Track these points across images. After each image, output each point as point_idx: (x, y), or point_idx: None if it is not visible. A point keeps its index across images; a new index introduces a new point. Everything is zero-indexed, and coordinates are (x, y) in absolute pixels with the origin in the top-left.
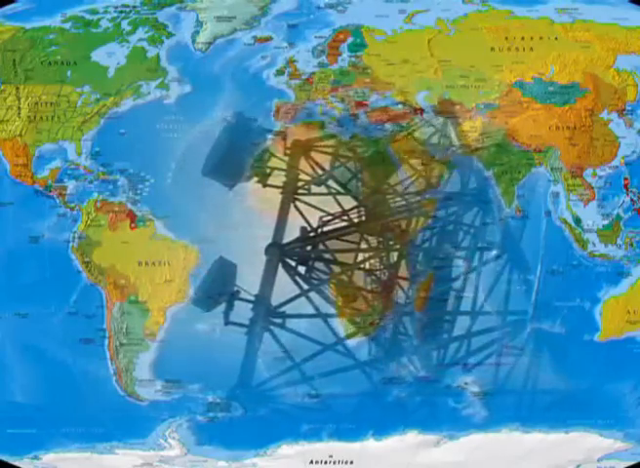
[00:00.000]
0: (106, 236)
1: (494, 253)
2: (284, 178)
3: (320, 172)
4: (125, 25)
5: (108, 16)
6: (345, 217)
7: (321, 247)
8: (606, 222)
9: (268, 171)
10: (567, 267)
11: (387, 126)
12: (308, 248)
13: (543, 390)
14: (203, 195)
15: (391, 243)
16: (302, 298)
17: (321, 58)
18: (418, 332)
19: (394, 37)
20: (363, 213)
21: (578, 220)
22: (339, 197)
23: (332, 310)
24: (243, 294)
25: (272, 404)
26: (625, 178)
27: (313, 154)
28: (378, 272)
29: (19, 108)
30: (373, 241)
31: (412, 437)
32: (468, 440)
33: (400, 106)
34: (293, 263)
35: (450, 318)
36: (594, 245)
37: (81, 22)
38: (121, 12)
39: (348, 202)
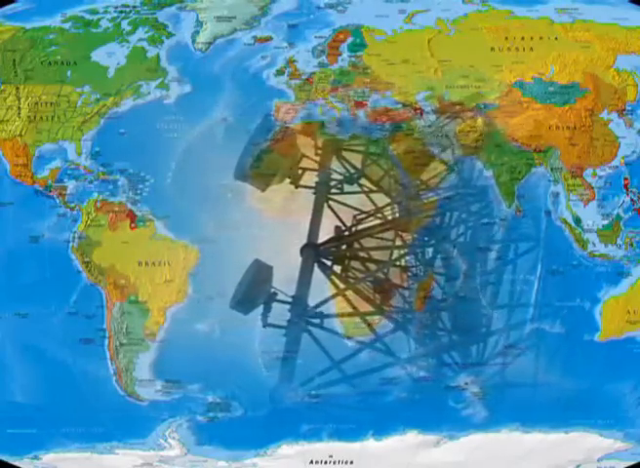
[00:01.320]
0: (106, 236)
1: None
2: (316, 178)
3: (352, 170)
4: (125, 25)
5: (108, 16)
6: (379, 215)
7: (356, 245)
8: (606, 222)
9: (300, 171)
10: (567, 267)
11: (387, 126)
12: (343, 247)
13: (543, 390)
14: (203, 195)
15: (426, 239)
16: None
17: (321, 58)
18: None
19: (394, 37)
20: (397, 209)
21: (578, 220)
22: (372, 195)
23: (369, 308)
24: (280, 296)
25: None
26: (625, 178)
27: (344, 153)
28: (414, 268)
29: (19, 108)
30: (408, 237)
31: (412, 437)
32: (468, 440)
33: (400, 106)
34: (328, 263)
35: (486, 312)
36: (594, 245)
37: (81, 22)
38: (121, 12)
39: (382, 199)
